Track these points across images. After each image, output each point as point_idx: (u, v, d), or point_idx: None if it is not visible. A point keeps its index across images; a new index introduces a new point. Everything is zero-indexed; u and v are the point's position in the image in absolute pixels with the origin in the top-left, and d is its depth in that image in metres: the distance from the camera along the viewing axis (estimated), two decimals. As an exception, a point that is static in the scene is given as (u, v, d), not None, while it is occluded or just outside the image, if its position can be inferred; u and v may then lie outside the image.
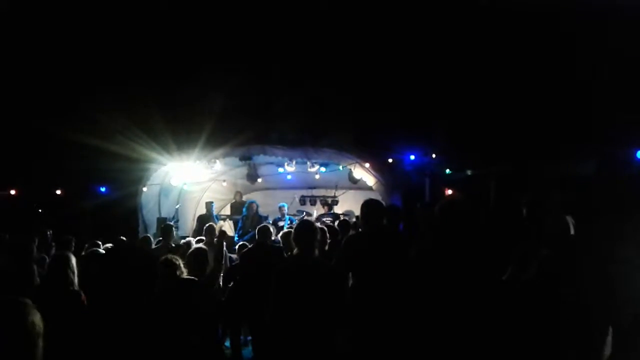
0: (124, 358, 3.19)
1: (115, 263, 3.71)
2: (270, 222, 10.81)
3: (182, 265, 4.24)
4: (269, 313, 3.71)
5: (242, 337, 6.49)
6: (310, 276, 3.66)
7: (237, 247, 6.86)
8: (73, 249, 5.95)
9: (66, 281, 3.68)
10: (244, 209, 10.72)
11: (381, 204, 4.52)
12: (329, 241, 5.58)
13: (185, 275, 4.27)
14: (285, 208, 11.24)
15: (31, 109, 9.52)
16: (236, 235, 10.31)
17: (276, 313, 3.68)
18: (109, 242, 6.48)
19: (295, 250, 3.86)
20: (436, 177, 8.90)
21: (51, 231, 6.99)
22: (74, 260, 3.83)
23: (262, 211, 11.02)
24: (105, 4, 9.25)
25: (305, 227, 3.87)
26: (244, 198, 12.38)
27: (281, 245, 6.19)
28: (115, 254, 5.06)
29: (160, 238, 7.48)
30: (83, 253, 5.83)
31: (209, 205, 11.26)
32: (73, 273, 3.74)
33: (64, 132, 8.82)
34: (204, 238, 7.39)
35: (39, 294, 3.63)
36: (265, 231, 6.12)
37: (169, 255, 4.30)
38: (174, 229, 7.73)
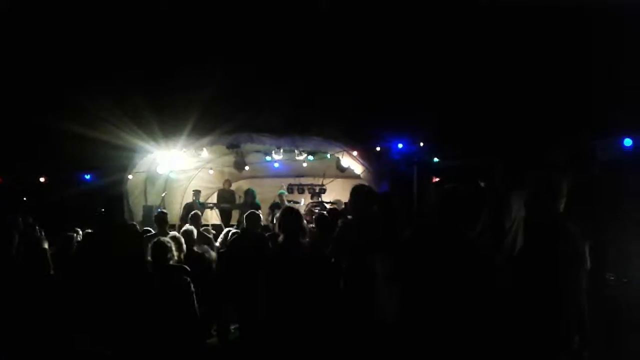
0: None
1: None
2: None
3: (174, 250, 4.31)
4: (260, 304, 3.70)
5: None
6: (297, 264, 3.64)
7: (223, 233, 6.81)
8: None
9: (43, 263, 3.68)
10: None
11: (372, 190, 4.46)
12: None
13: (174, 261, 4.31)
14: (285, 195, 11.22)
15: (16, 97, 9.37)
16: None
17: (268, 303, 3.66)
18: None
19: (280, 238, 3.84)
20: (424, 166, 8.93)
21: (32, 219, 6.88)
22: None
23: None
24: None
25: (288, 214, 3.84)
26: (232, 186, 12.34)
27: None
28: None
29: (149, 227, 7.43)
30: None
31: (196, 193, 11.20)
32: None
33: (49, 120, 8.70)
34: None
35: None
36: (254, 219, 6.09)
37: (162, 238, 4.35)
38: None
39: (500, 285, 3.08)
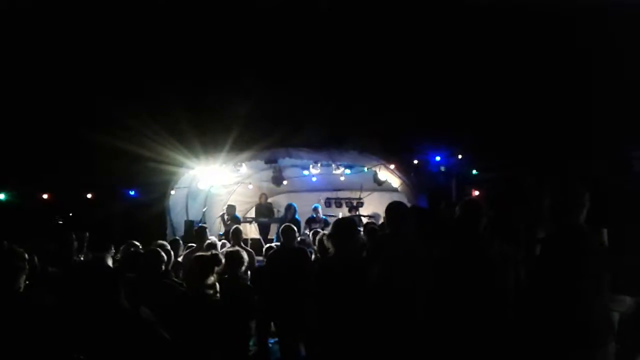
0: None
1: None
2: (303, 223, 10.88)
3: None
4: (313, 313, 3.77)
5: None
6: (350, 273, 3.68)
7: (264, 249, 6.90)
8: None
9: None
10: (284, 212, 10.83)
11: (405, 206, 4.46)
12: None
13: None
14: (320, 209, 11.26)
15: (62, 114, 9.76)
16: (275, 238, 10.45)
17: (321, 313, 3.72)
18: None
19: (331, 250, 3.90)
20: (463, 178, 8.82)
21: (87, 234, 7.09)
22: None
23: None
24: (137, 12, 9.43)
25: (344, 224, 3.89)
26: (270, 200, 12.47)
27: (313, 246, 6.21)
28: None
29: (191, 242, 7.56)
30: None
31: (230, 208, 11.31)
32: None
33: (95, 137, 9.02)
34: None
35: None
36: (288, 232, 6.15)
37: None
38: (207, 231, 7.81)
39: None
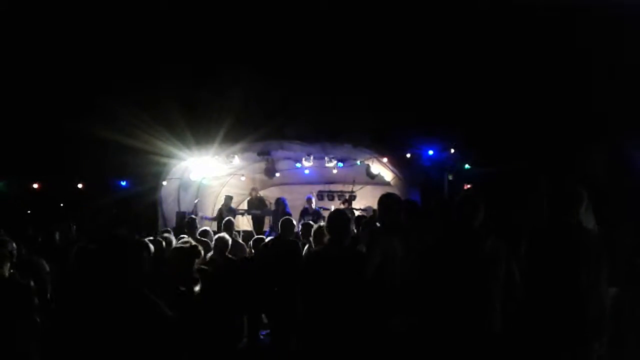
0: None
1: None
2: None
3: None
4: (300, 302, 3.76)
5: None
6: (340, 264, 3.67)
7: (251, 241, 6.86)
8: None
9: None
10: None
11: (398, 198, 4.45)
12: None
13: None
14: (313, 199, 11.23)
15: (54, 105, 9.68)
16: (267, 231, 10.43)
17: (306, 303, 3.71)
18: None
19: (326, 239, 3.89)
20: (455, 172, 8.84)
21: (74, 225, 7.04)
22: None
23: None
24: (129, 3, 9.35)
25: (336, 216, 3.88)
26: (261, 193, 12.43)
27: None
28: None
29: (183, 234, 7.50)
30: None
31: (227, 199, 11.25)
32: None
33: (86, 128, 8.95)
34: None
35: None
36: (288, 225, 6.11)
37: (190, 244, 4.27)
38: (197, 222, 7.74)
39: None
